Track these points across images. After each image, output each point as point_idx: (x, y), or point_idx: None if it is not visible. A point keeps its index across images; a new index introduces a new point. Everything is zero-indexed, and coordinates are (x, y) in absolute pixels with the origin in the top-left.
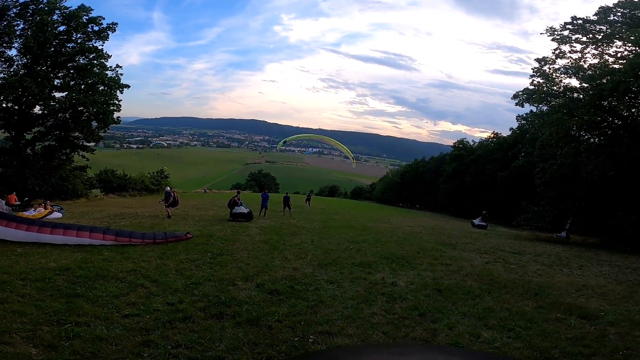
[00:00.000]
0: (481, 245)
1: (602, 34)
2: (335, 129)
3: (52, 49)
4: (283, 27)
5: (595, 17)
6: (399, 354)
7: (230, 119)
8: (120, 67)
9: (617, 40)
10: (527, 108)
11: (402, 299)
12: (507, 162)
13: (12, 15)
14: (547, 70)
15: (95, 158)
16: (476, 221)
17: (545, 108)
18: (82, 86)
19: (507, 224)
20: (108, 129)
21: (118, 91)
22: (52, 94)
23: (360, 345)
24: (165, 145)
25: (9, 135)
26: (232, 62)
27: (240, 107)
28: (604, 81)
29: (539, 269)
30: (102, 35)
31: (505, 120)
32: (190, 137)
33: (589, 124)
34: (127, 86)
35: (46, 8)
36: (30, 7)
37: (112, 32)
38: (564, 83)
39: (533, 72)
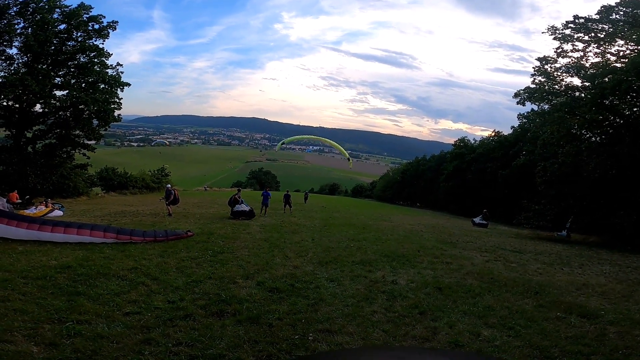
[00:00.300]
0: (482, 243)
1: (604, 33)
2: (336, 127)
3: (53, 48)
4: (284, 25)
5: (598, 16)
6: (399, 357)
7: (231, 117)
8: (121, 65)
9: (619, 39)
10: (529, 107)
11: (403, 297)
12: (508, 160)
13: (13, 13)
14: (549, 69)
15: (96, 156)
16: (477, 219)
17: (546, 107)
18: (83, 84)
19: (508, 223)
20: (109, 127)
21: (119, 89)
22: (53, 92)
23: (361, 348)
24: (167, 143)
25: (9, 133)
26: (232, 60)
27: (241, 105)
28: (606, 80)
29: (540, 268)
30: (103, 33)
31: (507, 118)
32: (191, 135)
33: (590, 123)
34: (128, 84)
35: (46, 6)
36: (31, 5)
37: (113, 30)
38: (565, 82)
39: (534, 70)
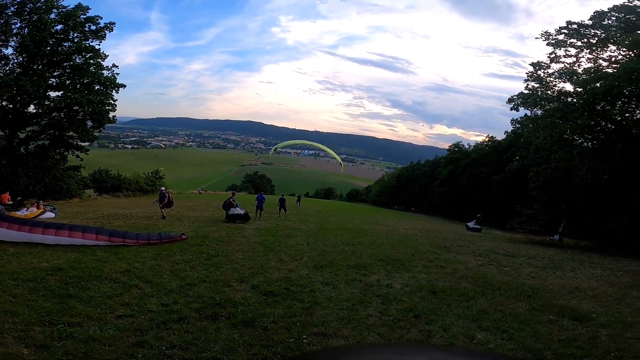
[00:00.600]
0: (475, 247)
1: (596, 39)
2: (332, 131)
3: (49, 48)
4: (281, 29)
5: (590, 22)
6: (401, 353)
7: (227, 120)
8: (117, 66)
9: (612, 45)
10: (522, 112)
11: (397, 300)
12: (502, 165)
13: (10, 13)
14: (542, 74)
15: (89, 158)
16: (471, 224)
17: (539, 112)
18: (78, 85)
19: (501, 227)
20: (103, 128)
21: (114, 91)
22: (47, 93)
23: (361, 344)
24: (162, 146)
25: (2, 134)
26: (229, 63)
27: (237, 108)
28: (597, 85)
29: (532, 272)
30: (99, 34)
31: (500, 123)
32: (186, 137)
33: (582, 128)
34: (123, 86)
35: (44, 7)
36: (28, 5)
37: (110, 31)
38: (558, 87)
39: (528, 76)
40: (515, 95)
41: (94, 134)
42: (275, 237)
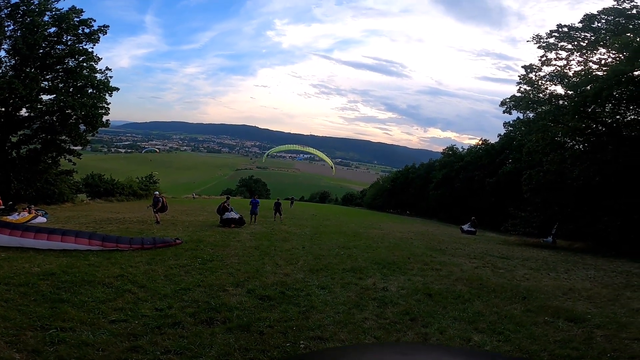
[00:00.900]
0: (470, 250)
1: (586, 41)
2: (327, 135)
3: (42, 51)
4: (276, 33)
5: (581, 25)
6: (402, 353)
7: (221, 124)
8: (110, 69)
9: (602, 47)
10: (515, 115)
11: (393, 303)
12: (495, 168)
13: (3, 16)
14: (534, 77)
15: (82, 162)
16: (465, 227)
17: (531, 115)
18: (71, 89)
19: (496, 230)
20: (97, 132)
21: (107, 94)
22: (40, 96)
23: (363, 344)
24: (157, 151)
25: None
26: (224, 66)
27: (232, 112)
28: (588, 88)
29: (527, 273)
30: (93, 37)
31: (494, 127)
32: (181, 141)
33: (573, 131)
34: (117, 89)
35: (37, 9)
36: (21, 8)
37: (104, 34)
38: (549, 90)
39: (520, 79)
40: (507, 98)
41: (87, 137)
42: (271, 241)
